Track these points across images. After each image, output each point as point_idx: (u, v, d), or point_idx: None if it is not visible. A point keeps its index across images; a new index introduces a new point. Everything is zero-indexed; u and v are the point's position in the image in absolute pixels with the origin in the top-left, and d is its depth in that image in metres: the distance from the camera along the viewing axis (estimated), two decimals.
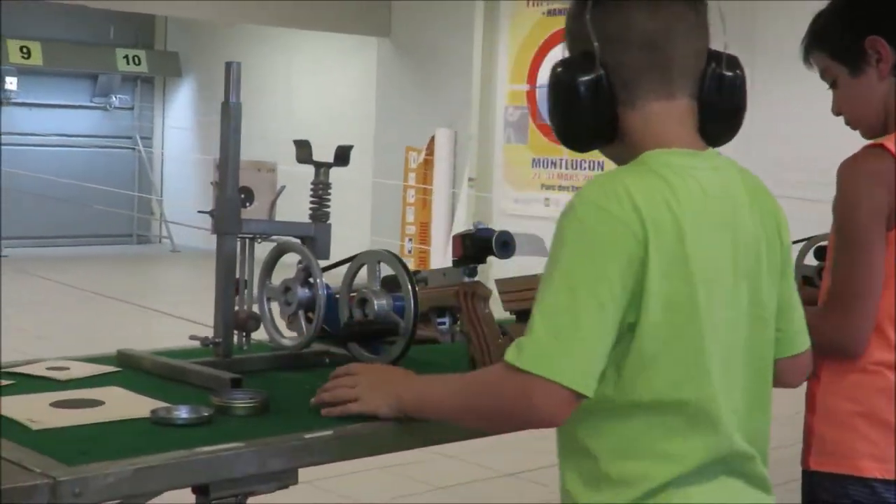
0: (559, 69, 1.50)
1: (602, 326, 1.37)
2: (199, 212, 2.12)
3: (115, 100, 14.45)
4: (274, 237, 2.06)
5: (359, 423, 1.61)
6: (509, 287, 2.03)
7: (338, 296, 1.97)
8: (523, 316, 1.96)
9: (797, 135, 7.17)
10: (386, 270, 1.92)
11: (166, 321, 8.43)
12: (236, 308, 2.03)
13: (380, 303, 1.87)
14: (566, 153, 9.92)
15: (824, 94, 2.02)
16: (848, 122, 1.99)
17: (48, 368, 1.96)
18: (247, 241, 2.05)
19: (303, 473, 1.57)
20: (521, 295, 1.99)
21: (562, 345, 1.36)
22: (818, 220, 2.00)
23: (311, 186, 2.08)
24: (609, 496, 1.42)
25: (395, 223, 11.03)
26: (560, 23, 10.00)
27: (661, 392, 1.41)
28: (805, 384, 1.86)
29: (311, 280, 1.97)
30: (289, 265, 2.04)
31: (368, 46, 11.52)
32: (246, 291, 2.04)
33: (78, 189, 13.35)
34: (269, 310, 2.05)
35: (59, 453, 1.42)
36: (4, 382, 1.83)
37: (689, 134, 1.51)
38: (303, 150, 2.04)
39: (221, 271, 2.00)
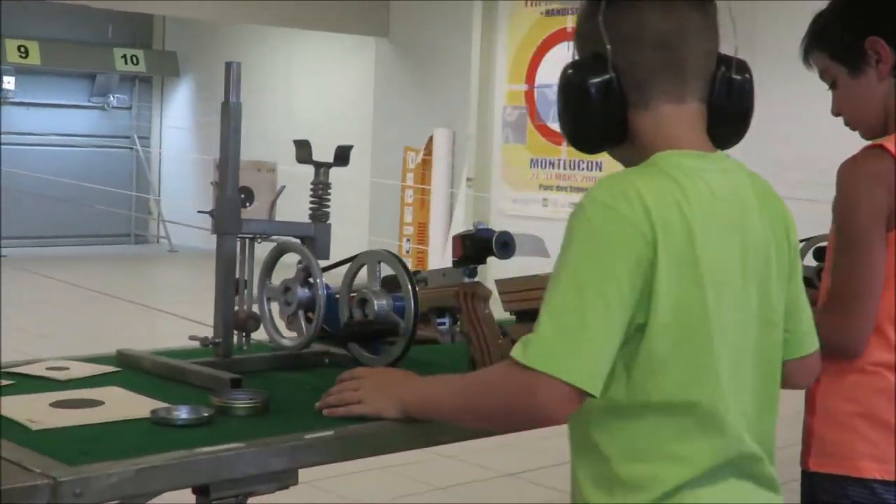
0: (570, 71, 1.50)
1: (609, 326, 1.37)
2: (200, 212, 2.12)
3: (113, 99, 14.45)
4: (274, 237, 2.06)
5: (360, 424, 1.61)
6: (509, 287, 2.03)
7: (338, 296, 1.97)
8: (523, 316, 1.96)
9: (797, 135, 7.18)
10: (385, 270, 1.92)
11: (165, 321, 8.43)
12: (236, 308, 2.03)
13: (380, 303, 1.87)
14: (564, 153, 9.93)
15: (824, 94, 2.02)
16: (847, 123, 1.99)
17: (48, 368, 1.96)
18: (247, 241, 2.05)
19: (302, 473, 1.57)
20: (521, 295, 1.99)
21: (568, 343, 1.36)
22: (818, 220, 2.00)
23: (311, 186, 2.08)
24: (621, 499, 1.43)
25: (392, 223, 11.03)
26: (558, 23, 10.01)
27: (670, 393, 1.41)
28: None
29: (311, 280, 1.97)
30: (289, 265, 2.04)
31: (367, 46, 11.52)
32: (246, 291, 2.04)
33: (76, 189, 13.34)
34: (269, 310, 2.05)
35: (59, 453, 1.42)
36: (4, 382, 1.83)
37: (699, 137, 1.51)
38: (302, 150, 2.04)
39: (221, 271, 2.00)
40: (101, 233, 14.17)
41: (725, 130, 1.55)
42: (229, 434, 1.55)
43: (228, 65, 1.97)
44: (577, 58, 1.52)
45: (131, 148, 14.72)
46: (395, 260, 1.87)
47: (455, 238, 2.03)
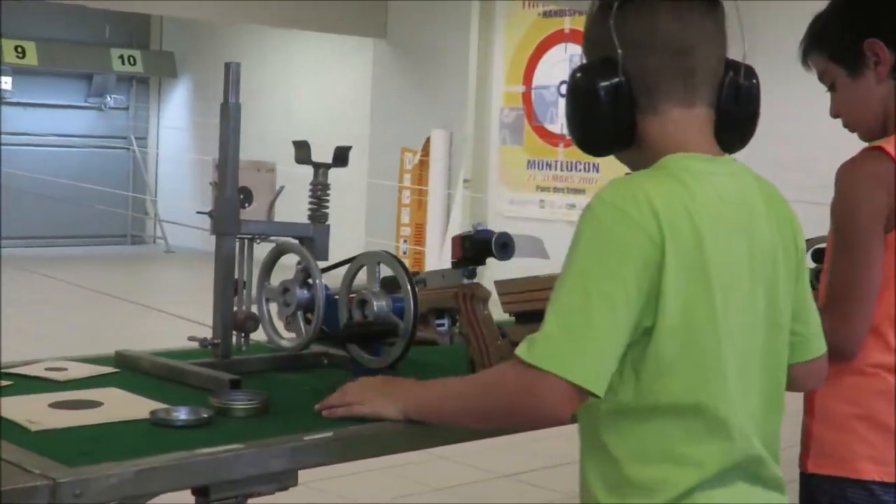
0: (579, 74, 1.51)
1: (614, 327, 1.37)
2: (199, 212, 2.12)
3: (110, 100, 14.44)
4: (273, 238, 2.06)
5: (359, 425, 1.61)
6: (508, 289, 2.02)
7: (337, 297, 1.97)
8: (523, 318, 1.96)
9: (797, 135, 7.18)
10: (384, 271, 1.91)
11: (162, 321, 8.42)
12: (235, 309, 2.02)
13: (379, 304, 1.87)
14: (561, 155, 9.93)
15: (824, 94, 2.02)
16: (846, 125, 1.99)
17: (46, 369, 1.95)
18: (245, 241, 2.05)
19: (300, 474, 1.57)
20: (521, 297, 1.99)
21: (573, 343, 1.36)
22: (818, 221, 2.00)
23: (310, 187, 2.08)
24: (633, 499, 1.43)
25: (389, 224, 11.02)
26: (555, 24, 10.02)
27: (679, 396, 1.42)
28: None
29: (310, 281, 1.97)
30: (287, 266, 2.04)
31: (365, 47, 11.53)
32: (244, 292, 2.04)
33: (73, 189, 13.33)
34: (268, 311, 2.04)
35: (58, 454, 1.41)
36: (3, 383, 1.83)
37: (708, 141, 1.52)
38: (302, 151, 2.03)
39: (220, 272, 2.00)
40: (98, 233, 14.15)
41: (732, 135, 1.56)
42: (229, 435, 1.55)
43: (228, 65, 1.97)
44: (585, 61, 1.53)
45: (128, 148, 14.71)
46: (395, 261, 1.87)
47: (454, 239, 2.03)
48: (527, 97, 10.27)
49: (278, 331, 2.04)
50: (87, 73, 14.11)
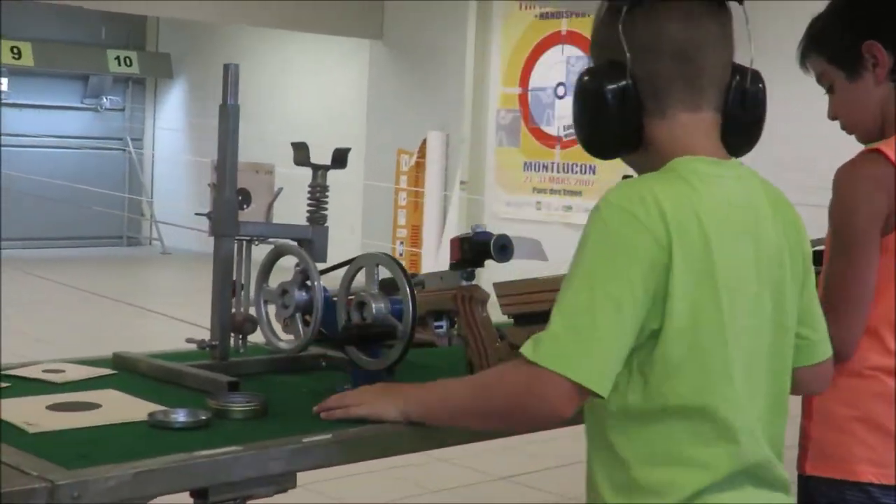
0: (586, 77, 1.51)
1: (619, 328, 1.38)
2: (197, 213, 2.12)
3: (106, 101, 14.42)
4: (271, 240, 2.05)
5: (358, 427, 1.61)
6: (507, 291, 2.02)
7: (335, 299, 1.96)
8: (521, 320, 1.96)
9: (797, 135, 7.19)
10: (383, 273, 1.91)
11: (159, 323, 8.42)
12: (233, 311, 2.02)
13: (378, 306, 1.87)
14: (558, 157, 9.94)
15: (824, 95, 2.02)
16: (844, 127, 1.99)
17: (44, 371, 1.95)
18: (244, 243, 2.05)
19: (298, 476, 1.57)
20: (519, 298, 1.99)
21: (578, 343, 1.37)
22: (817, 222, 2.00)
23: (309, 189, 2.08)
24: (640, 499, 1.43)
25: (386, 226, 11.02)
26: (552, 26, 10.02)
27: (686, 398, 1.42)
28: None
29: (308, 283, 1.96)
30: (285, 268, 2.04)
31: (361, 49, 11.53)
32: (243, 294, 2.04)
33: (68, 190, 13.32)
34: (266, 312, 2.04)
35: (56, 456, 1.41)
36: (1, 385, 1.82)
37: (714, 145, 1.52)
38: (300, 153, 2.03)
39: (218, 273, 1.99)
40: (94, 234, 14.14)
41: (738, 139, 1.56)
42: (227, 437, 1.55)
43: (227, 67, 1.97)
44: (592, 64, 1.54)
45: (124, 150, 14.69)
46: (393, 263, 1.87)
47: (453, 241, 2.02)
48: (523, 99, 10.27)
49: (276, 333, 2.04)
50: (84, 74, 14.09)
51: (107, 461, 1.40)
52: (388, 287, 1.90)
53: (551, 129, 10.01)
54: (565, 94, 9.85)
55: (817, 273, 2.24)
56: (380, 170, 10.99)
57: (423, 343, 2.08)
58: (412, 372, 1.88)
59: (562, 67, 9.95)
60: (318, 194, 2.08)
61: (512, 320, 2.05)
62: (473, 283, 2.02)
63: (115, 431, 1.58)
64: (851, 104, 1.95)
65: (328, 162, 2.06)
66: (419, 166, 10.74)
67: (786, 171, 6.06)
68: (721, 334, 1.43)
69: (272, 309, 2.03)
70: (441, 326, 2.10)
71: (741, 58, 1.56)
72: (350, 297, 1.94)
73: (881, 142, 1.88)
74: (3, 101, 13.43)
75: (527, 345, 1.40)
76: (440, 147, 10.58)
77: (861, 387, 1.89)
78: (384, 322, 1.86)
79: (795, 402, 1.94)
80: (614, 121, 1.49)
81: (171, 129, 14.61)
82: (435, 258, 10.13)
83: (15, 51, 12.87)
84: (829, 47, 1.94)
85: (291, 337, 2.02)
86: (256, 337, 2.06)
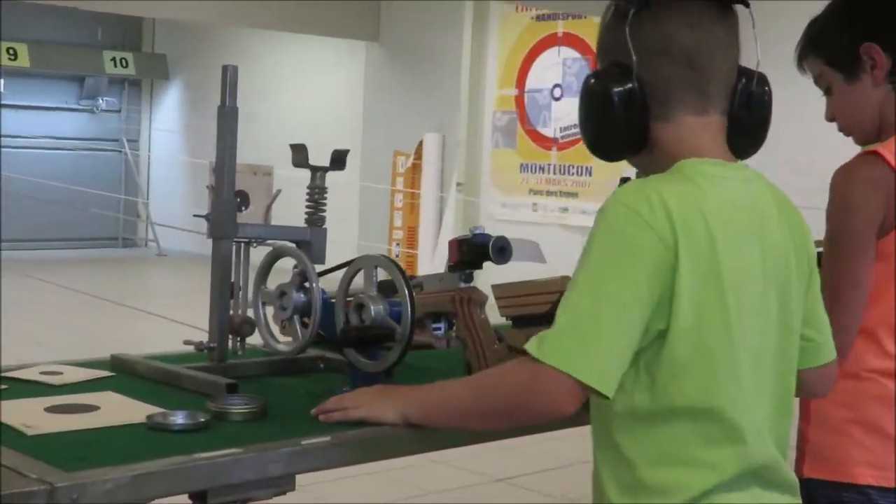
0: (592, 80, 1.52)
1: (623, 327, 1.38)
2: (196, 215, 2.11)
3: (102, 102, 14.42)
4: (269, 241, 2.05)
5: (357, 429, 1.61)
6: (506, 293, 2.02)
7: (333, 301, 1.96)
8: (520, 322, 1.96)
9: (795, 136, 7.20)
10: (381, 275, 1.91)
11: (155, 324, 8.41)
12: (231, 313, 2.02)
13: (376, 308, 1.86)
14: (554, 158, 9.94)
15: (821, 95, 2.02)
16: (841, 129, 2.00)
17: (41, 373, 1.94)
18: (242, 245, 2.04)
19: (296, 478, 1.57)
20: (518, 300, 1.99)
21: (580, 341, 1.37)
22: (817, 224, 2.00)
23: (307, 191, 2.07)
24: (646, 499, 1.43)
25: (382, 227, 11.02)
26: (548, 28, 10.03)
27: (693, 398, 1.42)
28: None
29: (306, 285, 1.96)
30: (283, 270, 2.03)
31: (357, 50, 11.53)
32: (241, 296, 2.03)
33: (64, 192, 13.31)
34: (265, 314, 2.04)
35: (55, 459, 1.41)
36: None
37: (720, 147, 1.53)
38: (299, 154, 2.03)
39: (217, 275, 1.99)
40: (89, 236, 14.13)
41: (744, 141, 1.57)
42: (226, 439, 1.55)
43: (225, 68, 1.97)
44: (598, 67, 1.54)
45: (120, 151, 14.69)
46: (392, 265, 1.87)
47: (451, 243, 2.02)
48: (520, 100, 10.28)
49: (275, 335, 2.03)
50: (79, 75, 14.09)
51: (105, 463, 1.40)
52: (386, 289, 1.90)
53: (547, 131, 10.01)
54: (562, 95, 9.86)
55: None
56: (376, 171, 10.99)
57: (422, 345, 2.08)
58: (410, 374, 1.88)
59: (558, 69, 9.96)
60: (316, 196, 2.07)
61: (510, 322, 2.05)
62: (472, 285, 2.02)
63: (113, 434, 1.57)
64: (849, 106, 1.95)
65: (325, 163, 2.05)
66: (415, 168, 10.74)
67: (785, 171, 6.07)
68: (727, 334, 1.43)
69: (270, 311, 2.02)
70: (439, 328, 2.10)
71: (746, 59, 1.56)
72: (348, 299, 1.94)
73: (878, 144, 1.89)
74: (0, 103, 13.42)
75: (531, 342, 1.40)
76: (436, 149, 10.59)
77: (859, 389, 1.89)
78: (383, 324, 1.86)
79: (796, 402, 1.94)
80: (620, 123, 1.49)
81: (167, 130, 14.61)
82: (431, 260, 10.14)
83: (11, 52, 12.86)
84: (827, 49, 1.94)
85: (290, 339, 2.02)
86: (254, 339, 2.05)
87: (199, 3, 9.97)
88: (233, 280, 2.02)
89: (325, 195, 2.08)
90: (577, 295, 1.39)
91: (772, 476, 1.49)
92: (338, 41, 11.51)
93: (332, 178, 2.09)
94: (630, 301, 1.37)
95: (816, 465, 1.91)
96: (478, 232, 2.01)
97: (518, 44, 10.29)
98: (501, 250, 1.99)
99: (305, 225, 2.06)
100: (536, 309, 1.90)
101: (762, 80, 1.56)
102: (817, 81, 1.99)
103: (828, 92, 1.98)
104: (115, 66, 13.93)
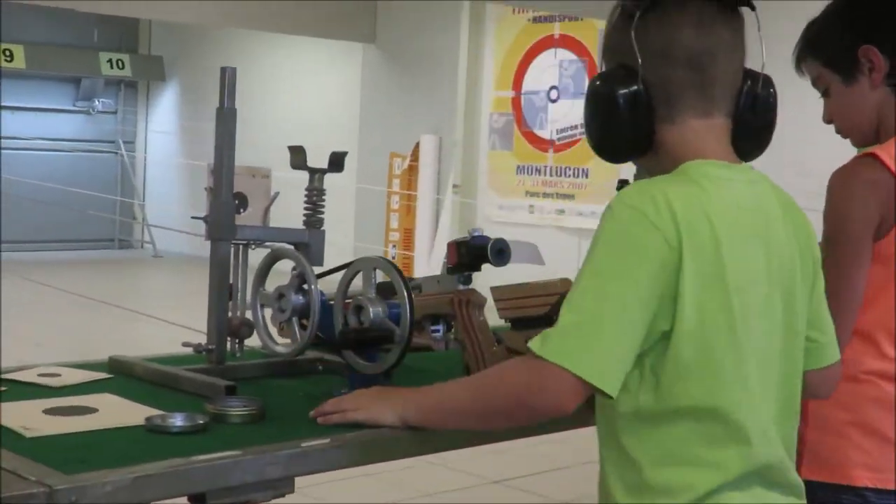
0: (598, 82, 1.52)
1: (625, 327, 1.38)
2: (193, 217, 2.11)
3: (98, 104, 14.40)
4: (268, 243, 2.05)
5: (356, 431, 1.61)
6: (504, 295, 2.02)
7: (332, 302, 1.96)
8: (518, 324, 1.96)
9: (794, 137, 7.20)
10: (380, 277, 1.91)
11: (152, 326, 8.40)
12: (229, 314, 2.02)
13: (375, 310, 1.86)
14: (551, 160, 9.94)
15: (819, 97, 2.02)
16: (839, 131, 2.00)
17: (39, 375, 1.94)
18: (240, 247, 2.04)
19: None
20: (517, 303, 1.99)
21: (582, 339, 1.38)
22: (816, 226, 2.00)
23: (306, 192, 2.07)
24: (650, 499, 1.44)
25: (378, 229, 11.02)
26: (545, 30, 10.03)
27: (698, 399, 1.43)
28: None
29: (305, 287, 1.96)
30: (282, 272, 2.03)
31: (354, 52, 11.53)
32: (239, 298, 2.03)
33: (60, 193, 13.29)
34: (263, 316, 2.04)
35: (54, 461, 1.41)
36: None
37: (725, 150, 1.53)
38: (297, 156, 2.03)
39: (215, 277, 1.99)
40: (85, 237, 14.12)
41: (749, 143, 1.57)
42: (225, 441, 1.55)
43: (224, 70, 1.97)
44: (604, 69, 1.54)
45: (116, 152, 14.67)
46: (391, 267, 1.87)
47: (450, 245, 2.02)
48: (516, 102, 10.28)
49: (273, 337, 2.03)
50: (76, 76, 14.07)
51: (104, 466, 1.40)
52: (385, 291, 1.90)
53: (544, 133, 10.02)
54: (558, 97, 9.87)
55: None
56: (373, 173, 10.99)
57: (421, 347, 2.08)
58: (409, 376, 1.88)
59: (555, 71, 9.97)
60: (314, 198, 2.07)
61: (509, 324, 2.05)
62: (470, 287, 2.02)
63: (112, 436, 1.57)
64: (847, 108, 1.95)
65: (322, 165, 2.05)
66: (412, 170, 10.74)
67: (791, 174, 6.08)
68: (732, 336, 1.43)
69: (269, 313, 2.02)
70: (438, 330, 2.10)
71: (750, 62, 1.56)
72: (347, 301, 1.94)
73: (876, 146, 1.89)
74: None
75: (535, 339, 1.41)
76: (433, 150, 10.59)
77: (857, 391, 1.89)
78: (381, 326, 1.86)
79: None
80: (625, 125, 1.49)
81: (164, 132, 14.59)
82: (427, 262, 10.14)
83: (7, 53, 12.84)
84: (825, 50, 1.95)
85: (288, 341, 2.02)
86: (253, 341, 2.05)
87: (196, 4, 9.97)
88: (231, 282, 2.02)
89: (324, 197, 2.08)
90: (581, 294, 1.40)
91: (776, 477, 1.50)
92: (334, 43, 11.51)
93: (328, 179, 2.09)
94: (632, 300, 1.38)
95: (814, 467, 1.91)
96: (476, 234, 2.01)
97: (515, 46, 10.30)
98: (500, 252, 1.99)
99: (304, 227, 2.06)
100: (535, 311, 1.90)
101: (767, 82, 1.57)
102: (815, 83, 1.99)
103: (826, 94, 1.98)
104: (112, 67, 13.91)
